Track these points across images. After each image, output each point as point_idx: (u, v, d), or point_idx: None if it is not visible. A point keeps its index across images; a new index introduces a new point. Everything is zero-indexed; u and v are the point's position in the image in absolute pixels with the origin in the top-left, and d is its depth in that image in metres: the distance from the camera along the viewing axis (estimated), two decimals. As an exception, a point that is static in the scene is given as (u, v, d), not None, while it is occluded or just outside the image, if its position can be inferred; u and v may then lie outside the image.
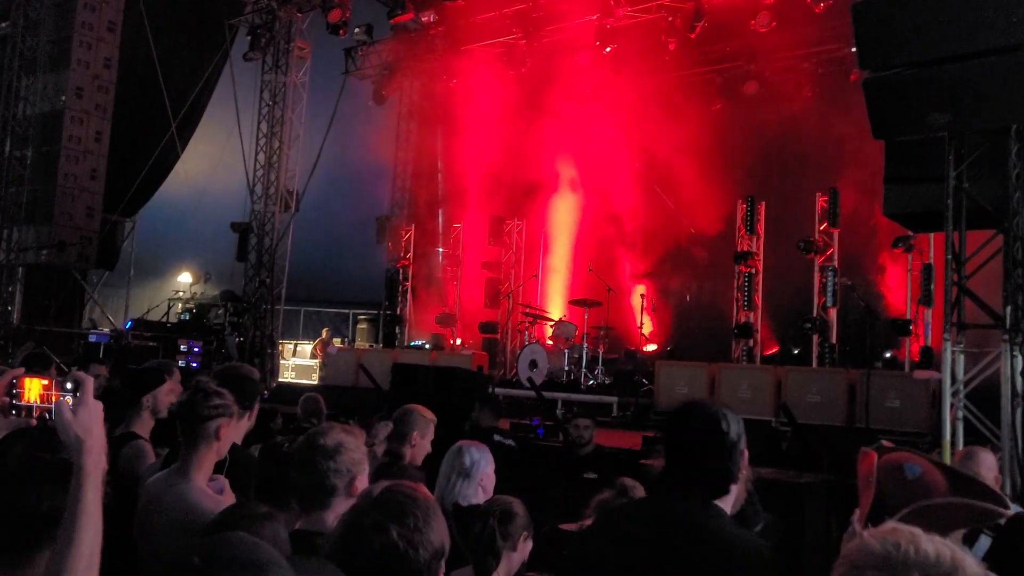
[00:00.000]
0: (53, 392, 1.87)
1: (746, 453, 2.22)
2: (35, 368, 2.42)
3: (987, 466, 3.64)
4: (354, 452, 2.59)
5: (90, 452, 1.80)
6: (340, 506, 2.44)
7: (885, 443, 2.02)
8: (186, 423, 2.99)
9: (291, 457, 2.79)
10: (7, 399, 1.94)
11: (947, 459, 5.50)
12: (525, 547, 3.19)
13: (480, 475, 3.74)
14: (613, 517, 2.35)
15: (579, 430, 6.83)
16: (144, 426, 4.05)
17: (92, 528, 1.76)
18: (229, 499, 2.94)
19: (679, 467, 2.24)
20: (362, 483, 2.54)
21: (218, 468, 3.10)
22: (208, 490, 2.92)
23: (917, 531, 1.34)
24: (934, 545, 1.31)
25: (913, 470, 1.93)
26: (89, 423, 1.82)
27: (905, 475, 1.91)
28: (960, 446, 5.64)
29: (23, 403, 1.91)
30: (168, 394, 4.14)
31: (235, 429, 3.13)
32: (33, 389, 1.90)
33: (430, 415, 4.37)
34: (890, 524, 1.42)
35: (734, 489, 2.18)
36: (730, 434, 2.19)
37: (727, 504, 2.18)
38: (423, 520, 1.77)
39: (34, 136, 15.51)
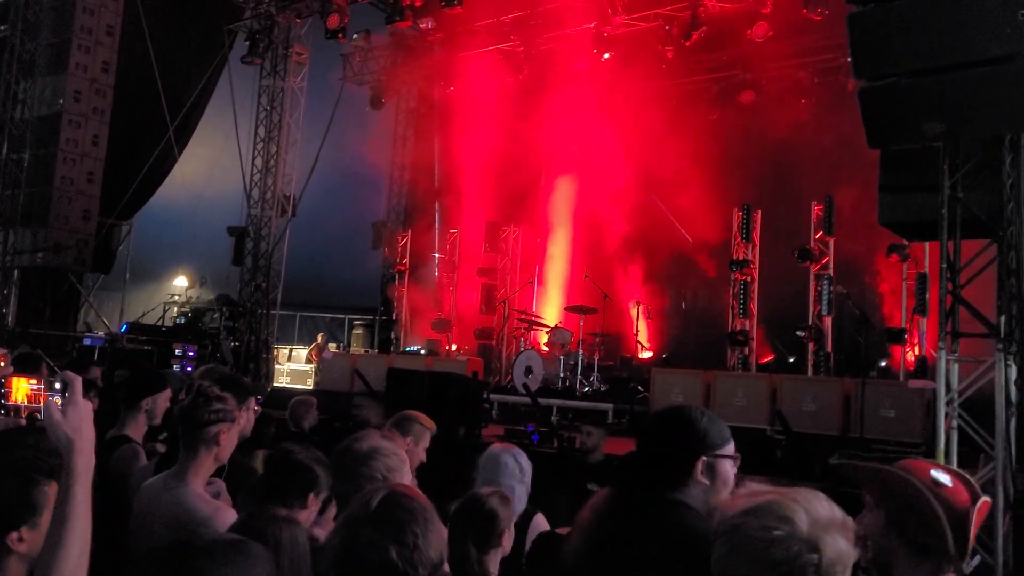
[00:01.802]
0: (42, 392, 1.87)
1: (726, 462, 2.18)
2: (24, 368, 2.41)
3: None
4: (389, 458, 2.57)
5: (80, 452, 1.79)
6: None
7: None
8: (186, 427, 2.98)
9: (292, 461, 2.78)
10: (-4, 399, 1.93)
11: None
12: (509, 537, 3.18)
13: (529, 479, 3.76)
14: (585, 511, 2.36)
15: (583, 436, 6.70)
16: (138, 430, 4.05)
17: (81, 529, 1.76)
18: (226, 504, 2.93)
19: (638, 458, 2.27)
20: None
21: (218, 473, 3.09)
22: (205, 495, 2.91)
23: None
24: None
25: (943, 476, 1.95)
26: (78, 423, 1.81)
27: (936, 479, 1.93)
28: (954, 455, 5.64)
29: (10, 403, 1.90)
30: (166, 401, 4.16)
31: (234, 434, 3.12)
32: (20, 389, 1.90)
33: (429, 423, 4.32)
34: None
35: (696, 484, 2.15)
36: (696, 428, 2.18)
37: (691, 496, 2.14)
38: (422, 536, 1.72)
39: (31, 139, 15.50)
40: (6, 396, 1.90)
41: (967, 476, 2.05)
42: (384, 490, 1.80)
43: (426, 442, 4.33)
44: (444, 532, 1.81)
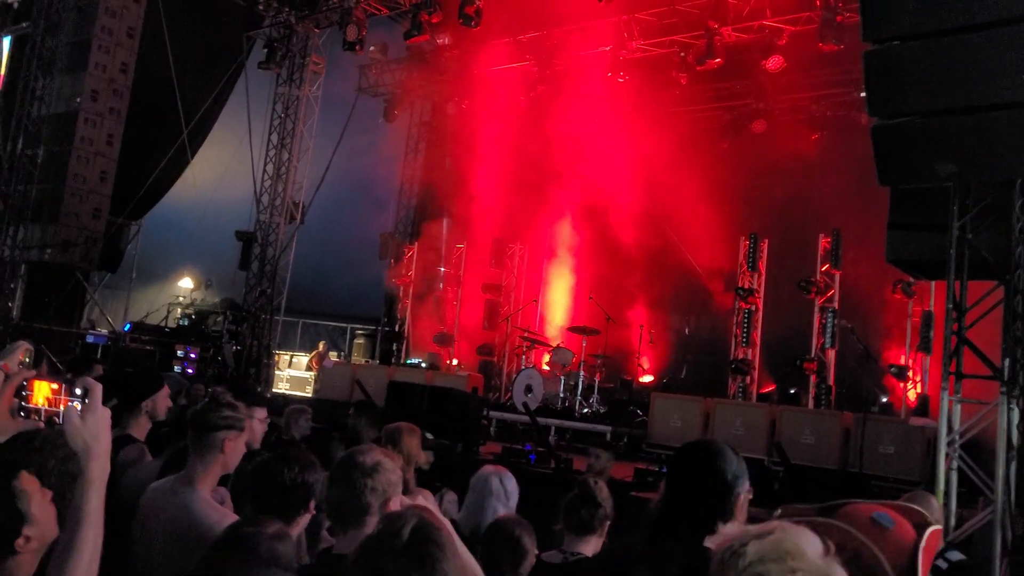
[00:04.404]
0: (62, 397, 1.89)
1: (743, 496, 2.17)
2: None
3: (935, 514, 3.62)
4: (391, 473, 2.60)
5: (97, 458, 1.81)
6: (373, 526, 2.44)
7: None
8: (196, 431, 3.00)
9: (284, 479, 2.78)
10: (16, 400, 1.95)
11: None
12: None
13: (515, 504, 3.76)
14: (616, 553, 2.34)
15: (591, 459, 6.67)
16: (141, 430, 4.08)
17: (94, 533, 1.78)
18: (230, 511, 2.95)
19: (673, 506, 2.26)
20: (395, 506, 2.54)
21: (223, 482, 3.10)
22: (213, 500, 2.92)
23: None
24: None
25: (884, 518, 1.94)
26: (97, 430, 1.83)
27: (878, 522, 1.92)
28: (954, 496, 5.64)
29: (31, 406, 1.92)
30: (166, 399, 4.19)
31: (241, 443, 3.13)
32: (41, 391, 1.92)
33: (416, 447, 4.37)
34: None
35: (725, 528, 2.13)
36: (726, 474, 2.18)
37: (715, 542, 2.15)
38: (452, 571, 1.72)
39: (47, 135, 15.61)
40: (27, 399, 1.92)
41: (909, 506, 2.04)
42: (413, 519, 1.78)
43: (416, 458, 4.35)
44: (460, 561, 1.81)
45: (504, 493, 3.78)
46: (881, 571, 1.83)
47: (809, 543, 1.44)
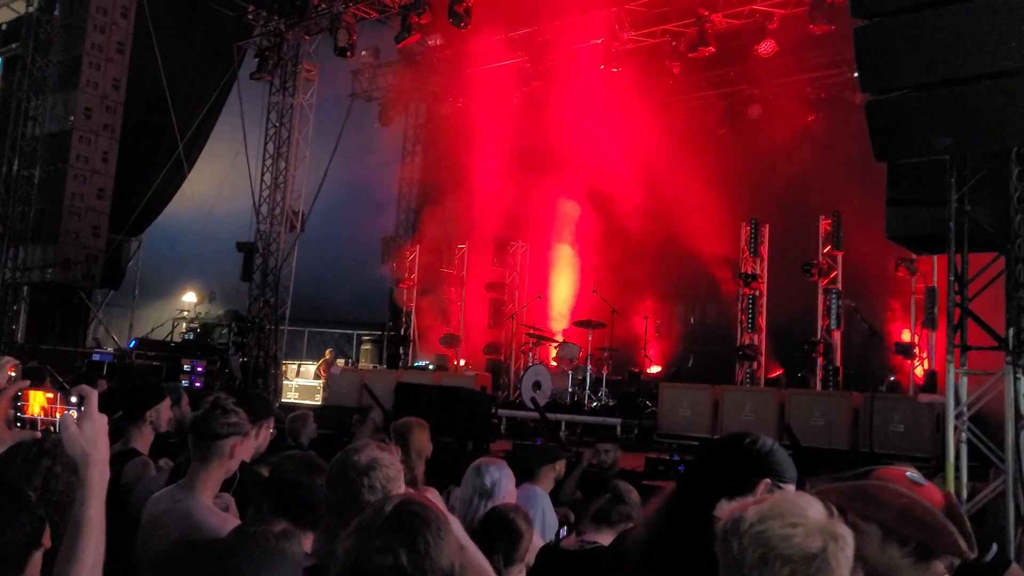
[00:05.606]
0: (58, 405, 1.88)
1: (771, 487, 2.10)
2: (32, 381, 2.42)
3: None
4: (388, 469, 2.57)
5: (96, 465, 1.81)
6: None
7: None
8: (199, 438, 2.99)
9: (284, 474, 2.77)
10: (12, 412, 1.95)
11: (951, 483, 5.48)
12: (532, 552, 3.20)
13: (503, 494, 3.73)
14: (652, 504, 2.34)
15: (601, 454, 6.67)
16: (144, 442, 4.07)
17: (96, 540, 1.77)
18: (234, 517, 2.94)
19: (686, 479, 2.26)
20: None
21: (227, 485, 3.09)
22: (214, 507, 2.91)
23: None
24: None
25: (917, 475, 1.97)
26: (94, 436, 1.83)
27: (914, 480, 1.95)
28: (964, 470, 5.61)
29: (27, 416, 1.91)
30: (167, 409, 4.19)
31: (246, 448, 3.13)
32: (37, 401, 1.91)
33: (425, 441, 4.37)
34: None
35: (729, 504, 2.11)
36: (774, 455, 2.15)
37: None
38: (434, 544, 1.70)
39: (42, 155, 15.63)
40: (23, 409, 1.92)
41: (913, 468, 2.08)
42: (397, 498, 1.79)
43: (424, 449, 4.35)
44: (457, 544, 1.80)
45: (483, 481, 3.76)
46: (934, 521, 1.88)
47: (810, 504, 1.49)
